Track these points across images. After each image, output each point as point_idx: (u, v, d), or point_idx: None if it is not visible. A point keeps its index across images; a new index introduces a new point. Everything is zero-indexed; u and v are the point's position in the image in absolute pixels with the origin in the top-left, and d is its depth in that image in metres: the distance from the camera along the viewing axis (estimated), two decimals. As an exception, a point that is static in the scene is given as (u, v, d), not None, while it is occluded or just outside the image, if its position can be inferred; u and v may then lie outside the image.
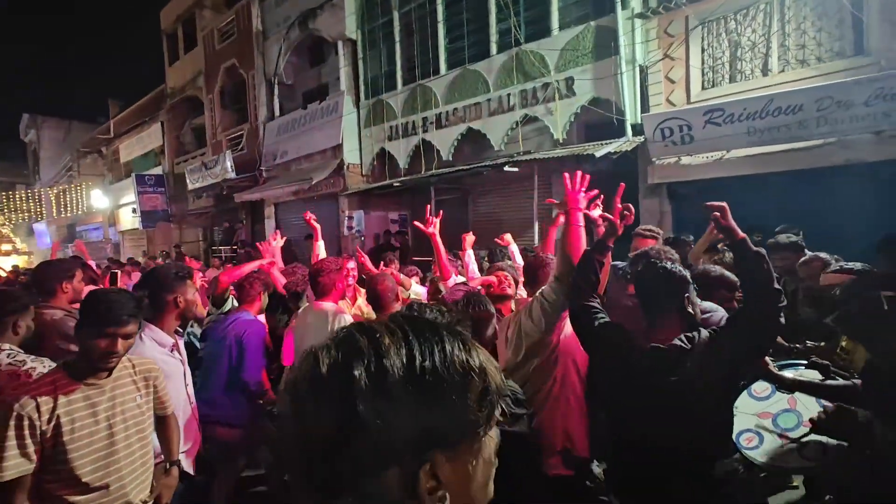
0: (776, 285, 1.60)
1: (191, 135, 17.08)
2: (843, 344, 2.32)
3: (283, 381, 0.58)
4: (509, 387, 1.70)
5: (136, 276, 6.92)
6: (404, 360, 0.54)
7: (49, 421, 1.52)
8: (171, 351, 2.12)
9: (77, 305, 2.46)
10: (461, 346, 0.58)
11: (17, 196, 24.04)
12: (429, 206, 3.25)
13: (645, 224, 7.21)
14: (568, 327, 2.06)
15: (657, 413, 1.62)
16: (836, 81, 5.46)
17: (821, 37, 5.98)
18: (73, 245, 6.58)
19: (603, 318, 1.87)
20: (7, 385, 1.75)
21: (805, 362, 2.13)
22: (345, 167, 10.63)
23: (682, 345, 1.65)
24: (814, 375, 2.06)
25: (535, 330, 2.01)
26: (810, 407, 2.08)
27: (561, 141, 7.75)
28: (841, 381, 1.99)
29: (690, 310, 1.74)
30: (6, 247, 18.59)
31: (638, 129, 6.99)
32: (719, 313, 2.26)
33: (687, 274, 1.79)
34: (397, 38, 9.96)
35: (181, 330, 2.37)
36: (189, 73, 15.81)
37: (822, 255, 3.08)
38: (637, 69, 7.10)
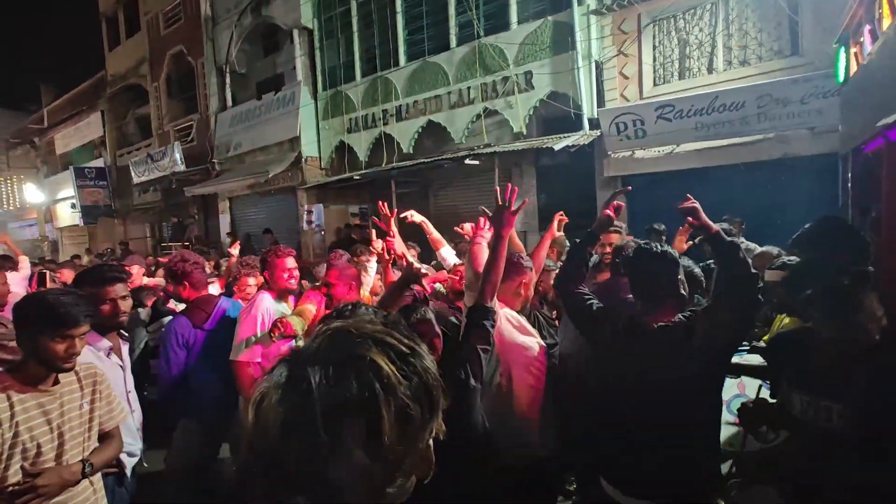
0: (753, 270, 1.69)
1: (135, 125, 16.15)
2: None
3: (261, 392, 0.57)
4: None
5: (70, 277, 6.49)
6: (398, 379, 0.57)
7: (10, 427, 1.46)
8: (108, 355, 2.02)
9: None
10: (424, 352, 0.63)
11: (-63, 190, 22.01)
12: (381, 202, 3.01)
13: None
14: (506, 331, 2.05)
15: (665, 391, 1.66)
16: (775, 80, 5.81)
17: (761, 37, 6.34)
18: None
19: (598, 302, 1.93)
20: None
21: (748, 347, 2.27)
22: (303, 160, 10.36)
23: (686, 322, 1.71)
24: (756, 359, 2.21)
25: None
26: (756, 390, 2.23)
27: (524, 133, 7.86)
28: None
29: (683, 291, 1.81)
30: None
31: (594, 124, 7.19)
32: None
33: (675, 254, 1.84)
34: (355, 28, 9.76)
35: (126, 333, 2.26)
36: (131, 60, 14.89)
37: (774, 249, 3.27)
38: (593, 64, 7.28)
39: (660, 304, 1.77)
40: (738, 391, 2.18)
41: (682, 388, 1.67)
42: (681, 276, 1.79)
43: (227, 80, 12.10)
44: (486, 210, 1.98)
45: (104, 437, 1.71)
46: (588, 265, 2.00)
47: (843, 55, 3.38)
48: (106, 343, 2.03)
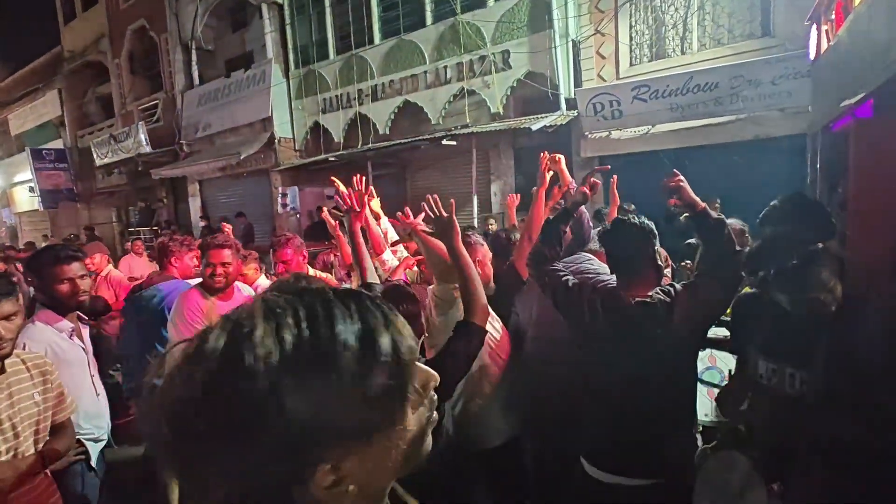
0: (737, 247, 1.70)
1: (95, 104, 15.39)
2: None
3: (160, 364, 0.48)
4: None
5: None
6: (306, 338, 0.45)
7: None
8: (71, 337, 1.93)
9: None
10: (363, 317, 0.49)
11: None
12: (357, 178, 2.66)
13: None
14: None
15: (644, 366, 1.65)
16: (747, 61, 5.88)
17: (734, 18, 6.39)
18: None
19: (572, 279, 1.91)
20: None
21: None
22: (276, 141, 10.08)
23: (664, 297, 1.69)
24: (722, 332, 2.26)
25: (441, 323, 1.97)
26: (728, 362, 2.28)
27: (502, 113, 7.79)
28: None
29: (660, 262, 1.80)
30: None
31: (572, 104, 7.18)
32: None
33: (652, 226, 1.82)
34: (328, 3, 9.44)
35: (86, 318, 2.16)
36: (90, 35, 14.11)
37: (737, 222, 3.34)
38: (570, 44, 7.23)
39: (637, 276, 1.77)
40: (709, 364, 2.23)
41: (661, 363, 1.68)
42: (658, 248, 1.80)
43: (194, 58, 11.61)
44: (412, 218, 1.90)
45: (57, 428, 1.63)
46: (562, 243, 1.98)
47: (814, 33, 3.42)
48: (67, 324, 1.93)
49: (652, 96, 6.48)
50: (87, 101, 15.53)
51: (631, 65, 7.11)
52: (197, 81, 11.59)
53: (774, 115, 5.79)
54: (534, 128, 6.65)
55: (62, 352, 1.87)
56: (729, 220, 3.35)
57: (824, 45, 3.15)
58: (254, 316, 0.46)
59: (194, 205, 12.03)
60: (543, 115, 7.09)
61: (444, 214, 1.64)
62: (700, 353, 2.26)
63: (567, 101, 7.22)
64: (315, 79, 9.80)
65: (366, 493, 0.51)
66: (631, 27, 7.07)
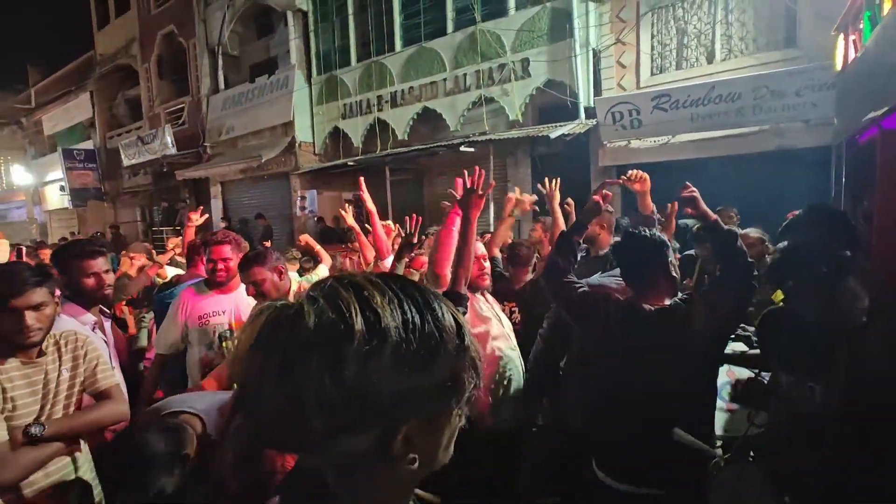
0: (749, 259, 1.71)
1: (125, 107, 15.87)
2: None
3: (247, 334, 0.52)
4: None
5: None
6: (398, 321, 0.50)
7: None
8: (94, 329, 1.99)
9: None
10: (448, 310, 0.55)
11: (-79, 170, 21.57)
12: (362, 194, 2.83)
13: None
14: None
15: (661, 373, 1.64)
16: (771, 72, 5.80)
17: (759, 28, 6.32)
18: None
19: (586, 287, 1.92)
20: None
21: (733, 335, 2.27)
22: (296, 145, 10.26)
23: (683, 305, 1.70)
24: (741, 347, 2.22)
25: None
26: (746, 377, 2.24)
27: (521, 121, 7.81)
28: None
29: (674, 273, 1.79)
30: None
31: (590, 113, 7.16)
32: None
33: (665, 237, 1.83)
34: (351, 11, 9.61)
35: (107, 311, 2.23)
36: (121, 40, 14.59)
37: (756, 231, 3.29)
38: (590, 53, 7.23)
39: (652, 286, 1.77)
40: (727, 378, 2.19)
41: (678, 371, 1.67)
42: (671, 259, 1.80)
43: (220, 63, 11.91)
44: (454, 193, 1.97)
45: (99, 397, 1.67)
46: (576, 255, 1.99)
47: (841, 43, 3.37)
48: (90, 317, 2.00)
49: (673, 106, 6.43)
50: (116, 104, 16.03)
51: (652, 74, 7.07)
52: (222, 86, 11.87)
53: (798, 127, 5.69)
54: (552, 136, 6.65)
55: None
56: (747, 230, 3.32)
57: (851, 56, 3.10)
58: (362, 291, 0.52)
59: (216, 206, 12.27)
60: (562, 124, 7.09)
61: (478, 188, 1.80)
62: (721, 367, 2.23)
63: (586, 109, 7.21)
64: (336, 85, 9.97)
65: (419, 474, 0.57)
66: (653, 37, 7.03)
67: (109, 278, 2.02)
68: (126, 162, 13.44)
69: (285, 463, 1.07)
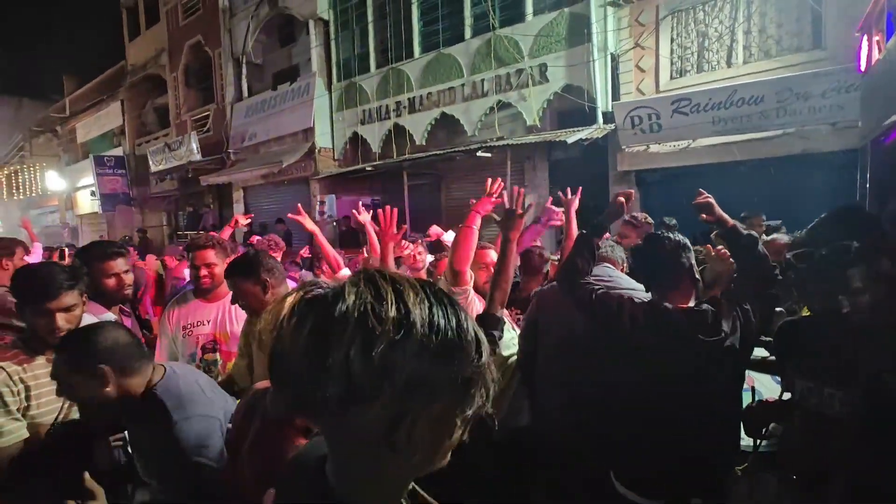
0: (770, 264, 1.68)
1: (153, 115, 16.38)
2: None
3: (286, 304, 0.57)
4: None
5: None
6: (426, 319, 0.55)
7: (21, 391, 1.49)
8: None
9: None
10: (472, 325, 0.60)
11: (-37, 177, 22.61)
12: (389, 207, 2.84)
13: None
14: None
15: (689, 383, 1.60)
16: (796, 74, 5.67)
17: (782, 30, 6.19)
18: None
19: (603, 288, 1.90)
20: None
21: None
22: (316, 151, 10.43)
23: (711, 307, 1.65)
24: (762, 353, 2.16)
25: None
26: (767, 385, 2.18)
27: (538, 126, 7.80)
28: None
29: (696, 275, 1.76)
30: (-49, 230, 17.49)
31: (609, 117, 7.11)
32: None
33: (687, 241, 1.79)
34: (370, 19, 9.76)
35: (128, 310, 2.30)
36: (151, 50, 15.10)
37: (783, 236, 3.21)
38: (609, 57, 7.19)
39: (674, 289, 1.73)
40: (746, 385, 2.13)
41: (707, 378, 1.62)
42: (693, 262, 1.76)
43: (244, 71, 12.21)
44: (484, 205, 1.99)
45: None
46: (595, 257, 1.96)
47: (865, 44, 3.28)
48: (111, 316, 2.07)
49: (693, 110, 6.34)
50: (145, 112, 16.56)
51: (671, 78, 6.99)
52: (246, 94, 12.17)
53: (824, 130, 5.55)
54: (569, 141, 6.62)
55: None
56: (774, 235, 3.24)
57: (875, 57, 3.02)
58: (390, 287, 0.56)
59: (238, 210, 12.52)
60: (579, 129, 7.05)
61: (518, 210, 1.83)
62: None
63: (604, 114, 7.16)
64: (356, 91, 10.12)
65: (413, 472, 0.61)
66: (672, 40, 6.96)
67: (129, 278, 2.09)
68: (153, 168, 13.85)
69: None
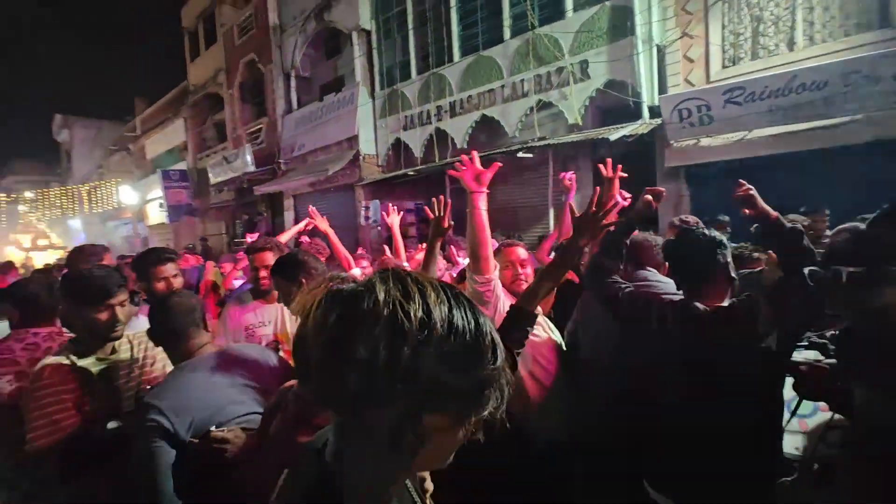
0: (816, 259, 1.55)
1: (213, 130, 17.43)
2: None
3: (314, 294, 0.59)
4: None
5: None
6: (446, 316, 0.56)
7: (76, 380, 1.61)
8: None
9: None
10: (491, 329, 0.60)
11: (52, 193, 25.01)
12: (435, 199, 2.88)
13: (663, 209, 7.04)
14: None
15: (724, 383, 1.53)
16: (863, 55, 5.21)
17: (847, 9, 5.71)
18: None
19: (631, 287, 1.84)
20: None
21: (806, 343, 2.04)
22: (360, 158, 10.70)
23: (745, 305, 1.57)
24: (814, 355, 1.98)
25: None
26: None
27: (580, 124, 7.62)
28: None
29: (732, 273, 1.67)
30: (42, 241, 19.40)
31: (655, 112, 6.83)
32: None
33: (722, 237, 1.70)
34: (411, 27, 9.93)
35: None
36: (210, 70, 16.10)
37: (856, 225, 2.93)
38: (654, 49, 6.92)
39: (707, 287, 1.64)
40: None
41: (741, 380, 1.52)
42: (729, 259, 1.66)
43: (293, 84, 12.75)
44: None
45: None
46: (623, 256, 1.90)
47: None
48: None
49: (748, 99, 5.97)
50: (205, 128, 17.65)
51: (723, 67, 6.62)
52: (295, 106, 12.70)
53: (897, 114, 5.06)
54: (611, 138, 6.41)
55: None
56: (841, 225, 2.97)
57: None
58: (420, 290, 0.57)
59: (289, 218, 13.08)
60: (622, 125, 6.82)
61: (598, 210, 1.57)
62: (788, 379, 2.01)
63: (650, 109, 6.89)
64: (398, 98, 10.31)
65: (414, 469, 0.62)
66: (724, 27, 6.59)
67: (178, 282, 2.23)
68: (213, 180, 14.72)
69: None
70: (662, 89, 6.92)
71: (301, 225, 3.70)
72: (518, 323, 1.58)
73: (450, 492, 1.22)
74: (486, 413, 0.58)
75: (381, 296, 0.55)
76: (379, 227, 10.54)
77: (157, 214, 19.40)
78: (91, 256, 2.66)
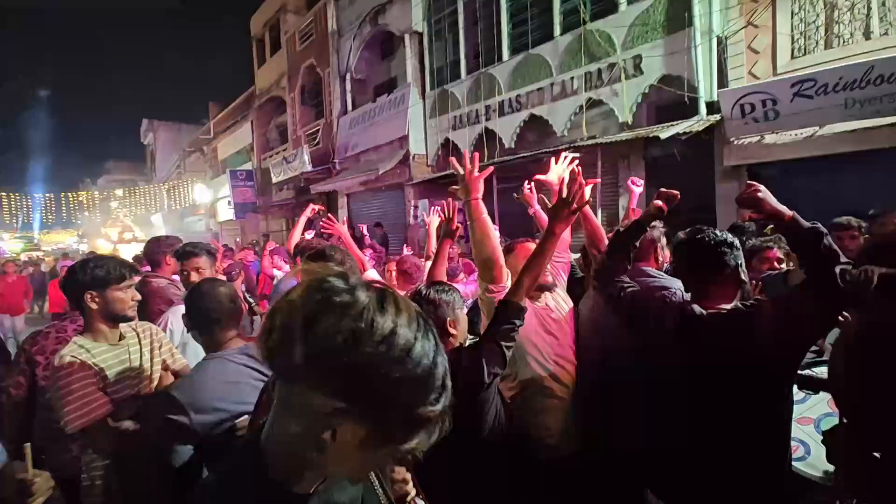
0: (840, 262, 1.41)
1: (276, 132, 18.40)
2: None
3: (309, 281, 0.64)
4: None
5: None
6: (410, 341, 0.59)
7: (95, 365, 1.76)
8: None
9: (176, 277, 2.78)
10: (444, 360, 0.63)
11: (138, 191, 27.48)
12: (438, 202, 2.89)
13: (722, 211, 6.64)
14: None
15: (716, 385, 1.49)
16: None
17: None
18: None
19: (636, 287, 1.80)
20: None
21: (822, 358, 1.87)
22: (411, 157, 10.89)
23: (744, 309, 1.51)
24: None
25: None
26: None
27: (629, 123, 7.34)
28: None
29: (742, 276, 1.59)
30: (128, 235, 21.32)
31: (713, 108, 6.43)
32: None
33: (732, 239, 1.63)
34: (461, 27, 9.97)
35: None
36: (275, 75, 16.99)
37: None
38: (714, 41, 6.51)
39: (711, 289, 1.58)
40: (829, 409, 1.81)
41: (740, 387, 1.45)
42: (741, 262, 1.58)
43: (348, 86, 13.19)
44: (522, 199, 1.92)
45: (175, 376, 2.01)
46: (630, 258, 1.85)
47: None
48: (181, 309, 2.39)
49: (820, 92, 5.49)
50: (269, 130, 18.66)
51: (792, 57, 6.11)
52: (350, 107, 13.13)
53: None
54: (662, 136, 6.12)
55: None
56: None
57: None
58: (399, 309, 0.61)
59: (342, 215, 13.55)
60: (674, 123, 6.48)
61: (574, 200, 1.63)
62: (818, 396, 1.87)
63: (708, 104, 6.50)
64: (447, 98, 10.39)
65: (333, 465, 0.64)
66: (793, 14, 6.09)
67: (206, 273, 2.40)
68: (274, 179, 15.55)
69: None
70: (722, 83, 6.50)
71: (303, 219, 3.79)
72: (506, 316, 1.60)
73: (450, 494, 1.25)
74: (405, 448, 0.60)
75: (360, 298, 0.59)
76: (427, 226, 10.67)
77: (226, 211, 20.77)
78: (166, 247, 2.93)
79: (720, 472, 1.49)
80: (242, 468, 0.67)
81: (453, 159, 1.85)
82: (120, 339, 1.89)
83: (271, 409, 0.66)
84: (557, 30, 8.26)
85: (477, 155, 1.81)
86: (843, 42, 5.72)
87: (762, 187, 1.50)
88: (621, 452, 1.84)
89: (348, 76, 13.10)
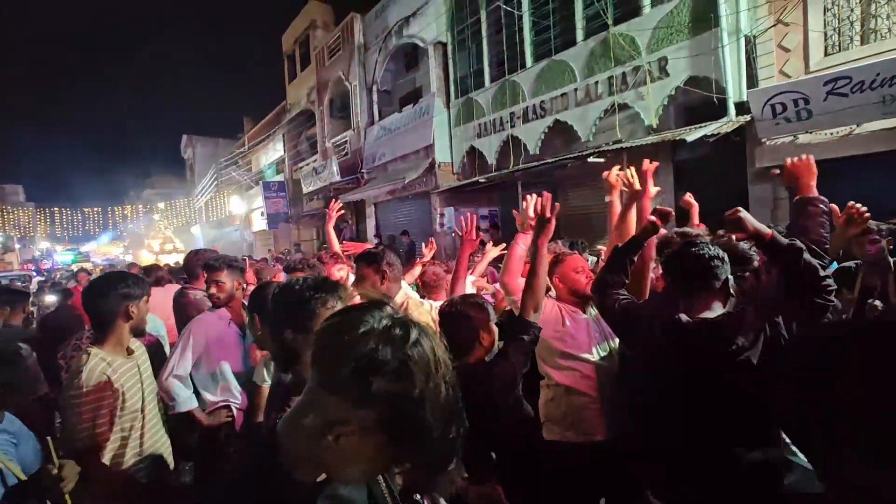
0: (821, 274, 1.50)
1: (306, 144, 18.93)
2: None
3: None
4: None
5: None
6: (424, 372, 0.66)
7: (117, 379, 1.82)
8: (229, 324, 2.51)
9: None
10: (459, 395, 0.70)
11: (178, 204, 28.74)
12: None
13: (755, 213, 6.50)
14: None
15: (704, 393, 1.55)
16: None
17: None
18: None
19: (629, 299, 1.88)
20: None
21: None
22: (436, 166, 11.02)
23: (726, 318, 1.58)
24: None
25: None
26: None
27: (654, 126, 7.23)
28: None
29: (730, 290, 1.66)
30: (168, 246, 22.33)
31: (744, 108, 6.28)
32: None
33: (722, 253, 1.68)
34: (485, 36, 10.07)
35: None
36: (305, 89, 17.53)
37: None
38: (742, 40, 6.37)
39: (698, 301, 1.64)
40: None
41: (722, 395, 1.51)
42: (728, 276, 1.64)
43: (375, 98, 13.48)
44: (517, 214, 2.05)
45: None
46: (627, 273, 1.92)
47: None
48: (226, 313, 2.54)
49: (855, 89, 5.29)
50: (300, 142, 19.21)
51: (826, 54, 5.92)
52: (377, 118, 13.41)
53: None
54: (689, 139, 6.01)
55: (219, 333, 2.45)
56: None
57: None
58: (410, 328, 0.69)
59: (370, 224, 13.82)
60: (702, 125, 6.36)
61: (546, 213, 1.90)
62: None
63: (737, 105, 6.35)
64: (472, 106, 10.48)
65: (331, 465, 0.70)
66: (826, 10, 5.90)
67: (226, 287, 2.54)
68: (305, 190, 15.98)
69: None
70: (752, 83, 6.34)
71: (331, 226, 3.88)
72: (516, 330, 1.75)
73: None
74: (407, 464, 0.68)
75: (384, 320, 0.68)
76: (454, 234, 10.76)
77: (259, 221, 21.45)
78: (203, 260, 3.11)
79: (715, 473, 1.52)
80: (261, 455, 0.75)
81: (528, 200, 2.03)
82: (129, 354, 1.94)
83: (293, 405, 0.75)
84: (580, 35, 8.24)
85: (549, 196, 1.95)
86: (881, 36, 5.50)
87: (742, 209, 1.61)
88: (625, 453, 1.89)
89: (374, 88, 13.39)
